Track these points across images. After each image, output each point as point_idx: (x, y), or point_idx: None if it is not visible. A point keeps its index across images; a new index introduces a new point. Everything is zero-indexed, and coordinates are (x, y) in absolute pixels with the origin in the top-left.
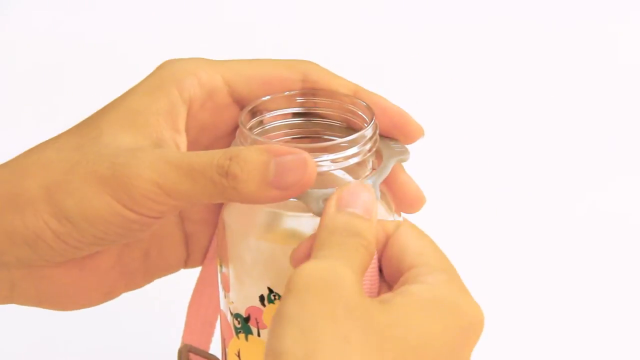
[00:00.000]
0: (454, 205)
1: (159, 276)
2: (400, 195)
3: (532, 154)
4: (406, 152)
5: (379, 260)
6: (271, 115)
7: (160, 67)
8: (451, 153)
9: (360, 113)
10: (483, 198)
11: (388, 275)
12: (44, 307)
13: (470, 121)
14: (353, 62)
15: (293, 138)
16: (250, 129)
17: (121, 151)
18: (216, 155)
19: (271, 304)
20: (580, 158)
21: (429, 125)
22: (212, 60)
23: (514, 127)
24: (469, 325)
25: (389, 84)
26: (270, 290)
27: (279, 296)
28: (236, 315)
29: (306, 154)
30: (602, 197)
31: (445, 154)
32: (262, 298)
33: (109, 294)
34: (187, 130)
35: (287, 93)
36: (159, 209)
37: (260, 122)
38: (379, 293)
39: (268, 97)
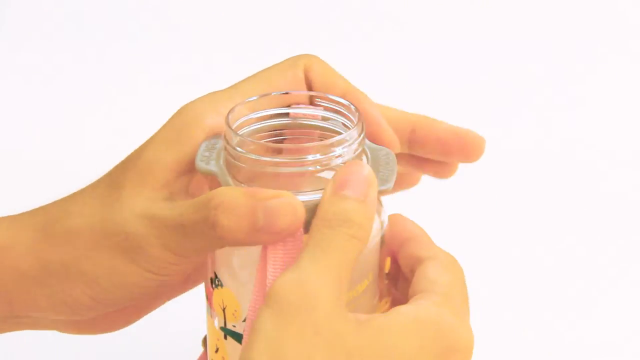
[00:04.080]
0: (454, 208)
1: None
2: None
3: (530, 155)
4: (388, 182)
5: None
6: (258, 115)
7: (179, 113)
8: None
9: (347, 114)
10: (481, 199)
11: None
12: (81, 334)
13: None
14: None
15: (279, 139)
16: (237, 129)
17: (134, 218)
18: (200, 205)
19: (216, 289)
20: (579, 160)
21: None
22: (224, 91)
23: (513, 128)
24: (451, 347)
25: (387, 85)
26: (215, 276)
27: (221, 284)
28: (204, 293)
29: (293, 199)
30: (600, 199)
31: None
32: (211, 281)
33: (144, 313)
34: None
35: (274, 93)
36: (180, 267)
37: (248, 123)
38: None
39: (254, 97)
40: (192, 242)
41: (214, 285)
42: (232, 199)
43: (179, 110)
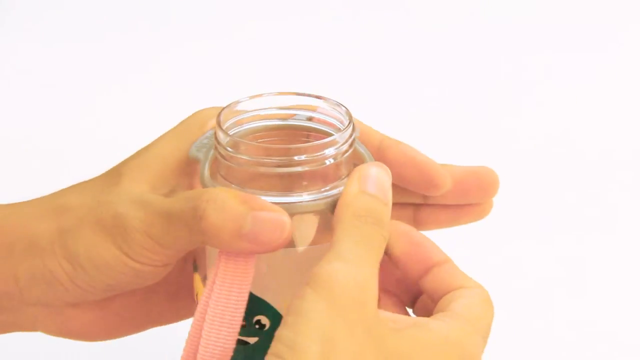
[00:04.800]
0: None
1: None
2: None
3: (532, 158)
4: None
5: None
6: (250, 115)
7: (189, 116)
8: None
9: (339, 116)
10: None
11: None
12: (66, 338)
13: (469, 126)
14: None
15: (271, 140)
16: (228, 129)
17: (128, 200)
18: (193, 197)
19: (194, 273)
20: (580, 163)
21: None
22: None
23: (514, 132)
24: None
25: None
26: (194, 260)
27: (197, 269)
28: None
29: (285, 217)
30: (600, 199)
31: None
32: (193, 264)
33: (135, 330)
34: None
35: (266, 94)
36: (158, 258)
37: (237, 123)
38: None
39: (247, 97)
40: (175, 232)
41: (193, 270)
42: (225, 199)
43: (191, 114)
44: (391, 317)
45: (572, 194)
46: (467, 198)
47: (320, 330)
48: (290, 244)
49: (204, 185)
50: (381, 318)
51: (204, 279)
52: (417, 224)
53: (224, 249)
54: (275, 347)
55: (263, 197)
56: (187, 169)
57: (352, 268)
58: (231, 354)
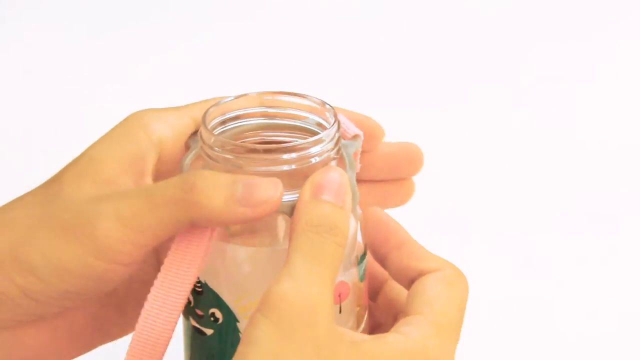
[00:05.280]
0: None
1: None
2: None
3: (529, 158)
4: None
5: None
6: (234, 114)
7: (124, 120)
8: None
9: (326, 114)
10: (478, 202)
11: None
12: None
13: (466, 126)
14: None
15: (257, 139)
16: (213, 128)
17: (83, 201)
18: (178, 178)
19: None
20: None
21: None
22: (180, 106)
23: (510, 132)
24: None
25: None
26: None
27: None
28: None
29: (274, 177)
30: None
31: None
32: None
33: (83, 350)
34: (159, 172)
35: (253, 93)
36: (129, 250)
37: (223, 123)
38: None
39: (232, 97)
40: (157, 212)
41: None
42: (215, 174)
43: (125, 118)
44: (350, 333)
45: (571, 191)
46: (397, 172)
47: (268, 356)
48: (257, 242)
49: (181, 170)
50: (337, 334)
51: None
52: None
53: (216, 219)
54: None
55: None
56: (131, 169)
57: (302, 286)
58: (170, 336)
